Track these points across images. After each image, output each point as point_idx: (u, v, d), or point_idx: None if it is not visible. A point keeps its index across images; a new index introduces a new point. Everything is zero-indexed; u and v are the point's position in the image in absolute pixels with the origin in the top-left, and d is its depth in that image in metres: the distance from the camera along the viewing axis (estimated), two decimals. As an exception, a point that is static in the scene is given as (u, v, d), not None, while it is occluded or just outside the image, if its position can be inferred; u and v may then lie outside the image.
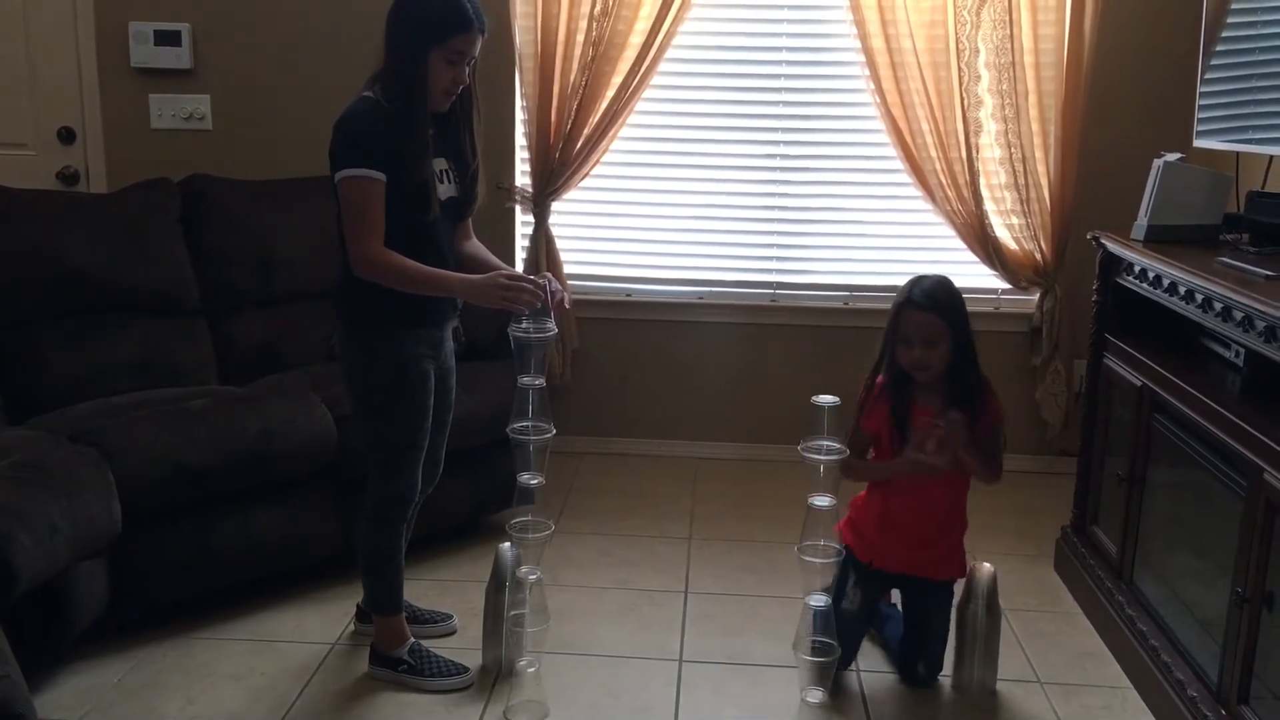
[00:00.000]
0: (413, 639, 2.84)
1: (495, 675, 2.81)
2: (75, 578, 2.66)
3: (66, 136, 4.19)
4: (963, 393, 2.71)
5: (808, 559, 2.54)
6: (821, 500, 2.54)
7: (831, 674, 2.65)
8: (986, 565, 2.80)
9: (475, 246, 2.85)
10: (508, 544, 2.76)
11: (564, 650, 2.91)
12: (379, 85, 2.57)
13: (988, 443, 2.74)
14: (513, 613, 2.72)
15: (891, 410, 2.74)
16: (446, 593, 3.21)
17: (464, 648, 2.91)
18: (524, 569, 2.67)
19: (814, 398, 2.53)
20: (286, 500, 3.11)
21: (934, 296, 2.70)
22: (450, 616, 3.05)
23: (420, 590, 3.16)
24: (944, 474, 2.69)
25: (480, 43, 2.57)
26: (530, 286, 2.53)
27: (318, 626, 3.03)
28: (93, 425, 2.92)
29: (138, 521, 2.79)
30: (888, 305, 2.78)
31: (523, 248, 4.28)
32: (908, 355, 2.71)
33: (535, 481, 2.63)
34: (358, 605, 3.00)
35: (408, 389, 2.66)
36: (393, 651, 2.80)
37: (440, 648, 2.88)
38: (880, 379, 2.77)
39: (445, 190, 2.65)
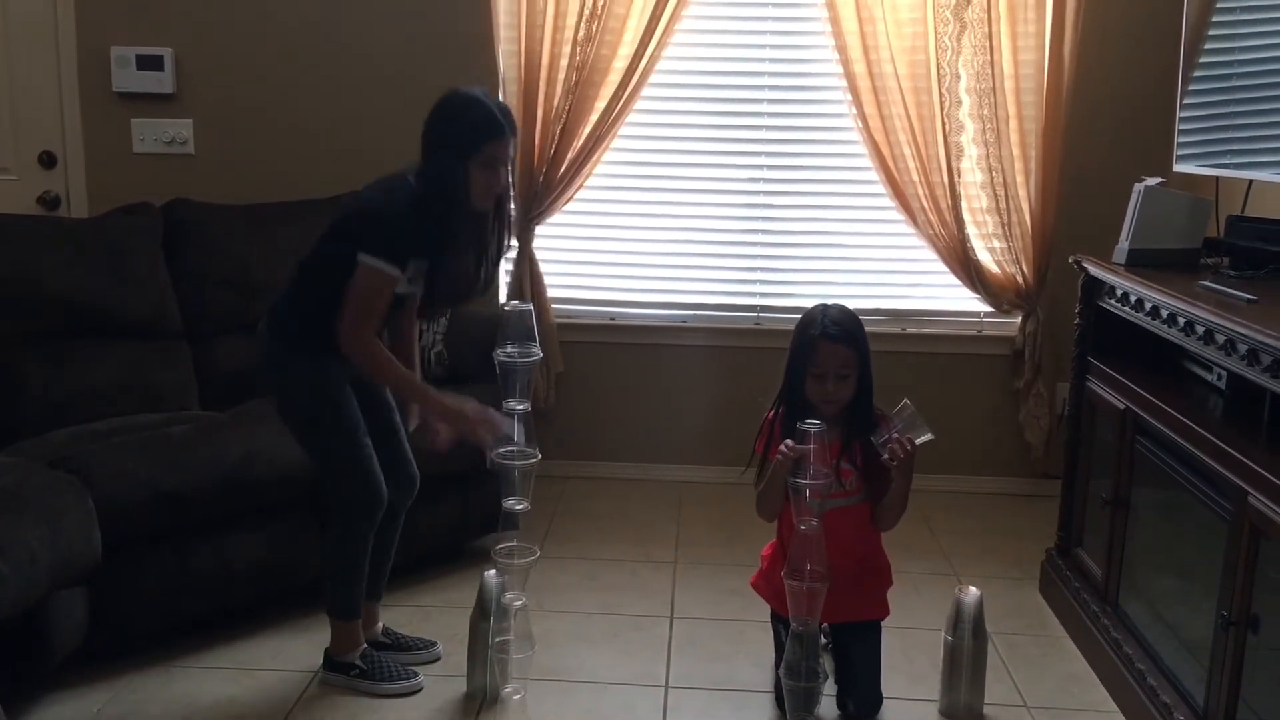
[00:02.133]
0: (365, 645, 2.86)
1: (480, 703, 2.79)
2: (54, 606, 2.62)
3: (48, 161, 4.16)
4: (863, 426, 2.66)
5: (791, 582, 2.53)
6: (808, 525, 2.53)
7: (818, 699, 2.64)
8: (972, 589, 2.80)
9: (410, 329, 2.93)
10: (492, 570, 2.75)
11: (549, 677, 2.89)
12: (418, 178, 2.64)
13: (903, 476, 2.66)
14: (497, 639, 2.70)
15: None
16: (430, 619, 3.19)
17: (449, 675, 2.89)
18: (509, 595, 2.66)
19: (799, 423, 2.53)
20: (268, 526, 3.08)
21: (846, 327, 2.66)
22: (435, 643, 3.03)
23: (404, 617, 3.14)
24: (844, 517, 2.64)
25: (514, 145, 2.67)
26: (494, 422, 2.63)
27: (299, 654, 3.00)
28: (73, 451, 2.90)
29: (118, 549, 2.76)
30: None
31: (507, 271, 4.27)
32: (819, 389, 2.66)
33: (520, 506, 2.63)
34: (325, 650, 2.91)
35: (331, 399, 2.73)
36: (345, 657, 2.83)
37: (424, 675, 2.87)
38: (777, 412, 2.72)
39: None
